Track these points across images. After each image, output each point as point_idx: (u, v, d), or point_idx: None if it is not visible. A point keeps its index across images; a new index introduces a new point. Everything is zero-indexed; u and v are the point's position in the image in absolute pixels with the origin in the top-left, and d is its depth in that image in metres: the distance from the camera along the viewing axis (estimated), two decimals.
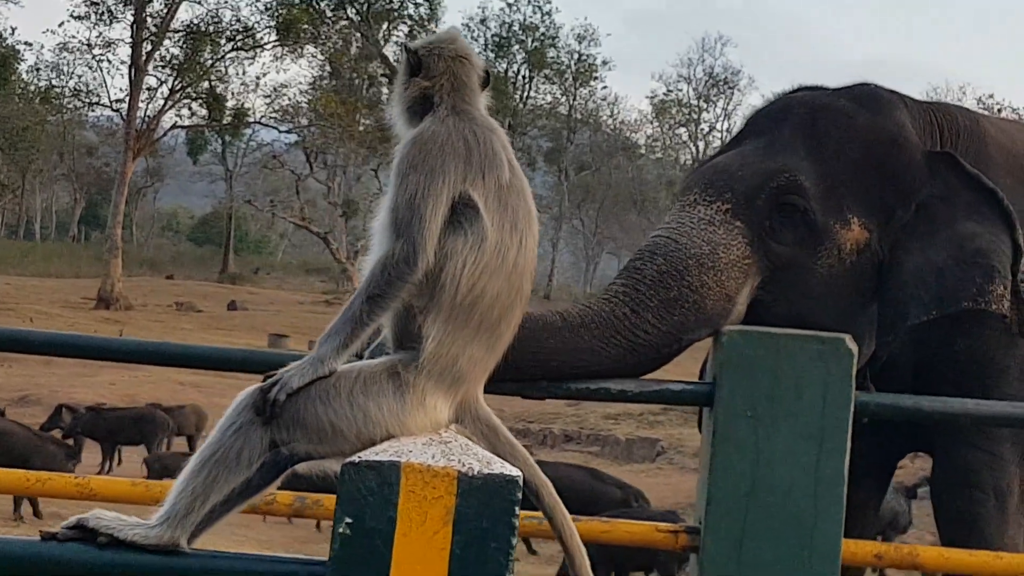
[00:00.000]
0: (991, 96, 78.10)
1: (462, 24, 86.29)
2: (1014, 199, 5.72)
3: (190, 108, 63.20)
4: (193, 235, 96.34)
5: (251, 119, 64.87)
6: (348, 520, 2.62)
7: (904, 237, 5.58)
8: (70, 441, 20.83)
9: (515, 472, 2.64)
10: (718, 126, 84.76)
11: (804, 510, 5.00)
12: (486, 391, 3.14)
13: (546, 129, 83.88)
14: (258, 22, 61.77)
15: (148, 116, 57.14)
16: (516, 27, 78.69)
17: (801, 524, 4.99)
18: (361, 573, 2.63)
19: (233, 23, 61.16)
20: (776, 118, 5.83)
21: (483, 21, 78.70)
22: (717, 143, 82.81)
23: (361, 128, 67.19)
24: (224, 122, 64.22)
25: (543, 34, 78.94)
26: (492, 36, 78.24)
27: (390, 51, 71.10)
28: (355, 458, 2.68)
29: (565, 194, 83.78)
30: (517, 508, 2.61)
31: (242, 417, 2.90)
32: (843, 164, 5.61)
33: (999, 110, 71.62)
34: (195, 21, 60.24)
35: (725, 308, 5.37)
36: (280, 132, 68.08)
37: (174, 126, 63.66)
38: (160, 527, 2.84)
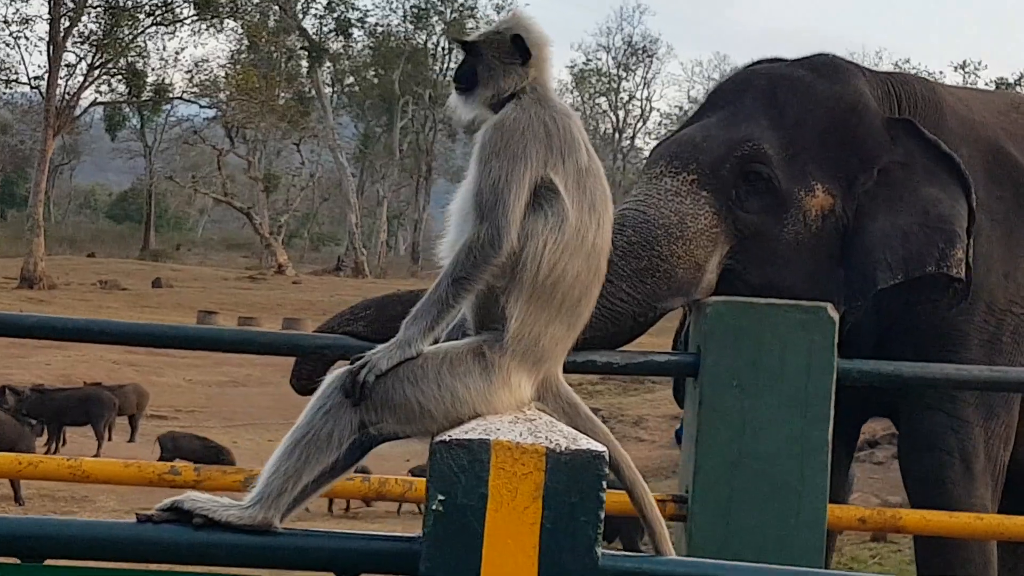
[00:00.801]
0: (907, 61, 78.64)
1: None
2: (971, 165, 5.84)
3: (110, 84, 62.62)
4: (112, 212, 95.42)
5: (171, 95, 64.30)
6: (440, 497, 2.68)
7: (868, 202, 5.67)
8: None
9: (601, 448, 2.72)
10: (638, 95, 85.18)
11: (790, 477, 5.07)
12: None
13: None
14: None
15: (67, 93, 56.49)
16: None
17: (787, 491, 5.07)
18: (454, 548, 2.70)
19: None
20: (737, 90, 5.93)
21: None
22: (637, 112, 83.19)
23: (281, 102, 66.84)
24: (144, 98, 63.63)
25: (462, 5, 78.70)
26: (411, 7, 77.88)
27: (308, 23, 70.84)
28: (445, 437, 2.74)
29: None
30: (604, 482, 2.68)
31: (332, 399, 2.93)
32: (805, 132, 5.70)
33: (915, 74, 72.21)
34: None
35: (695, 277, 5.45)
36: (200, 107, 67.61)
37: (94, 102, 63.07)
38: (254, 507, 2.89)
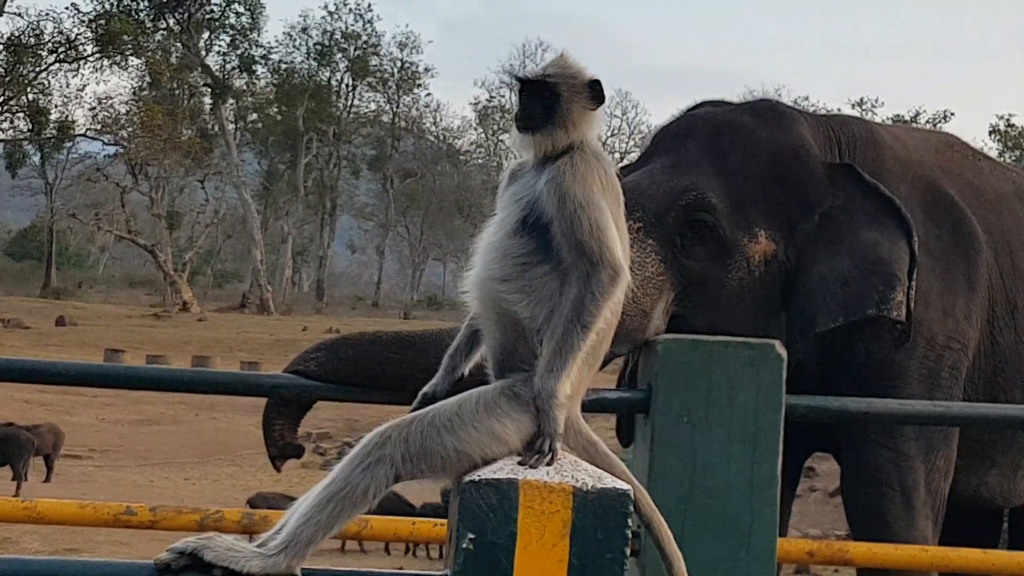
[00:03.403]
0: (806, 99, 79.43)
1: (284, 33, 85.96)
2: (910, 205, 5.94)
3: (11, 121, 62.05)
4: (11, 250, 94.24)
5: (74, 131, 63.78)
6: (471, 536, 2.76)
7: (809, 247, 5.76)
8: None
9: (626, 486, 2.83)
10: None
11: (740, 511, 5.13)
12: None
13: (370, 137, 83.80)
14: (80, 34, 60.92)
15: None
16: (338, 35, 78.47)
17: (738, 525, 5.13)
18: None
19: (55, 35, 60.28)
20: (681, 135, 5.97)
21: (304, 30, 78.26)
22: None
23: (185, 139, 66.51)
24: (46, 135, 63.08)
25: (365, 42, 78.89)
26: (314, 45, 77.89)
27: (212, 61, 70.53)
28: (475, 476, 2.83)
29: (390, 202, 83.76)
30: (629, 520, 2.77)
31: (372, 456, 2.98)
32: (748, 179, 5.77)
33: (815, 111, 72.97)
34: (15, 33, 59.31)
35: (642, 324, 5.49)
36: (103, 144, 67.09)
37: None
38: (279, 556, 2.93)
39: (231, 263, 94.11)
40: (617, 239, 3.16)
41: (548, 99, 3.31)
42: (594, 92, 3.34)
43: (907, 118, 75.84)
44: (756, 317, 5.70)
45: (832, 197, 5.81)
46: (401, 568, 16.65)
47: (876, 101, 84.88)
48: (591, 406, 5.49)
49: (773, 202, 5.77)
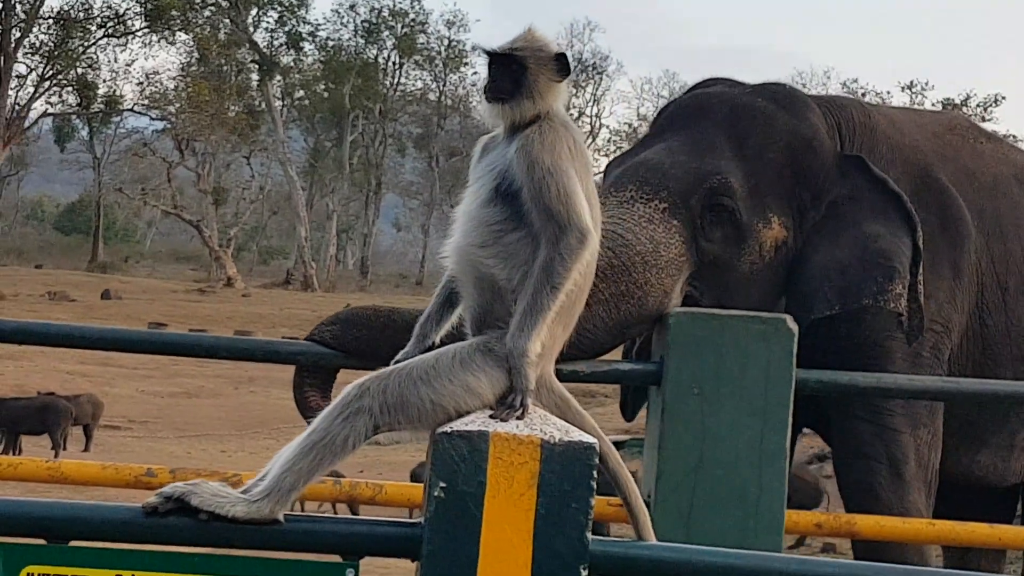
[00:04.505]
0: (855, 81, 79.16)
1: (332, 10, 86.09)
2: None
3: (60, 95, 62.52)
4: (59, 224, 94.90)
5: (122, 106, 64.20)
6: (442, 484, 2.89)
7: (814, 235, 5.87)
8: None
9: (592, 440, 2.94)
10: (587, 111, 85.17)
11: (749, 482, 5.22)
12: None
13: (416, 115, 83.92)
14: (128, 8, 61.26)
15: (17, 104, 56.36)
16: (386, 13, 78.59)
17: (746, 496, 5.22)
18: (455, 532, 2.90)
19: (104, 10, 60.67)
20: (696, 114, 6.04)
21: (352, 7, 78.37)
22: (587, 128, 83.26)
23: (231, 115, 66.80)
24: (94, 109, 63.52)
25: (412, 20, 78.93)
26: (362, 22, 78.07)
27: (259, 37, 70.80)
28: (447, 428, 2.95)
29: (436, 180, 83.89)
30: (594, 472, 2.89)
31: (351, 407, 3.11)
32: (765, 165, 5.87)
33: (863, 94, 72.75)
34: (65, 7, 59.70)
35: (663, 303, 5.57)
36: (150, 119, 67.50)
37: (44, 114, 62.93)
38: (261, 502, 3.04)
39: (276, 240, 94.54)
40: (585, 204, 3.26)
41: (516, 71, 3.41)
42: (560, 64, 3.45)
43: (957, 102, 75.28)
44: (762, 301, 5.80)
45: (840, 187, 5.92)
46: None
47: (927, 84, 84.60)
48: (604, 377, 5.63)
49: (787, 189, 5.87)
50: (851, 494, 6.18)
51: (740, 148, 5.86)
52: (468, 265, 3.35)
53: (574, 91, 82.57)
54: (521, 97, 3.39)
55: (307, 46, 75.42)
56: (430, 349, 3.34)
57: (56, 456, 21.96)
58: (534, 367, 3.16)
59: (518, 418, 3.05)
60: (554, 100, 3.43)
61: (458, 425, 2.98)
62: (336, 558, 3.12)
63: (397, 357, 3.34)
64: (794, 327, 5.26)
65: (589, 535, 2.94)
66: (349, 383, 3.18)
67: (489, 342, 3.22)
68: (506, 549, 2.90)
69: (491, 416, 3.05)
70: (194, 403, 28.91)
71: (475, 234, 3.32)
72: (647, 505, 5.27)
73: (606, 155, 72.44)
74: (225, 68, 70.95)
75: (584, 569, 2.94)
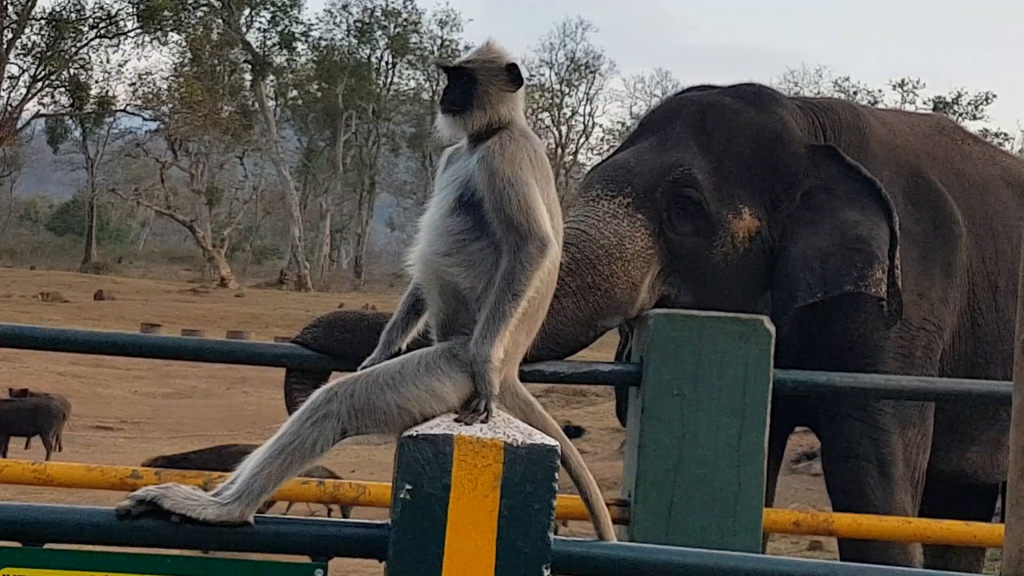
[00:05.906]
0: (847, 79, 79.28)
1: (324, 10, 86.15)
2: (892, 190, 6.12)
3: (52, 96, 62.53)
4: (52, 224, 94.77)
5: (115, 107, 64.21)
6: (408, 487, 2.97)
7: (791, 225, 5.97)
8: None
9: (554, 442, 3.03)
10: (580, 110, 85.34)
11: (728, 481, 5.30)
12: None
13: (409, 115, 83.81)
14: (121, 9, 61.30)
15: (9, 105, 56.40)
16: (378, 13, 78.48)
17: (725, 495, 5.30)
18: (420, 533, 2.98)
19: (96, 10, 60.68)
20: (668, 117, 6.21)
21: (345, 7, 78.29)
22: (580, 127, 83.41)
23: (225, 115, 66.83)
24: (87, 110, 63.53)
25: (405, 20, 78.86)
26: (354, 22, 77.98)
27: (252, 37, 70.81)
28: (412, 432, 3.02)
29: (430, 180, 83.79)
30: (556, 474, 2.98)
31: (320, 411, 3.16)
32: (732, 157, 5.99)
33: (855, 93, 72.95)
34: (57, 8, 59.75)
35: (632, 296, 5.68)
36: (143, 120, 67.53)
37: (37, 114, 62.94)
38: (232, 504, 3.10)
39: (270, 239, 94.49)
40: (545, 213, 3.31)
41: (466, 83, 3.47)
42: (512, 75, 3.51)
43: (948, 100, 75.43)
44: (741, 293, 5.88)
45: (814, 177, 6.01)
46: None
47: (918, 83, 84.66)
48: (585, 378, 5.70)
49: (757, 180, 5.97)
50: (839, 494, 6.25)
51: (707, 143, 6.00)
52: (433, 273, 3.40)
53: (567, 91, 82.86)
54: (472, 108, 3.45)
55: (300, 46, 75.45)
56: (396, 355, 3.39)
57: (48, 457, 21.94)
58: (498, 372, 3.21)
59: (482, 422, 3.12)
60: (510, 110, 3.49)
61: (423, 429, 3.05)
62: (306, 559, 3.18)
63: (364, 363, 3.39)
64: (771, 328, 5.33)
65: (552, 535, 3.02)
66: None
67: (454, 348, 3.28)
68: (471, 549, 2.97)
69: (456, 420, 3.11)
70: (186, 403, 28.88)
71: (439, 243, 3.37)
72: (626, 505, 5.37)
73: (599, 154, 72.42)
74: (218, 68, 70.91)
75: (547, 568, 3.02)
